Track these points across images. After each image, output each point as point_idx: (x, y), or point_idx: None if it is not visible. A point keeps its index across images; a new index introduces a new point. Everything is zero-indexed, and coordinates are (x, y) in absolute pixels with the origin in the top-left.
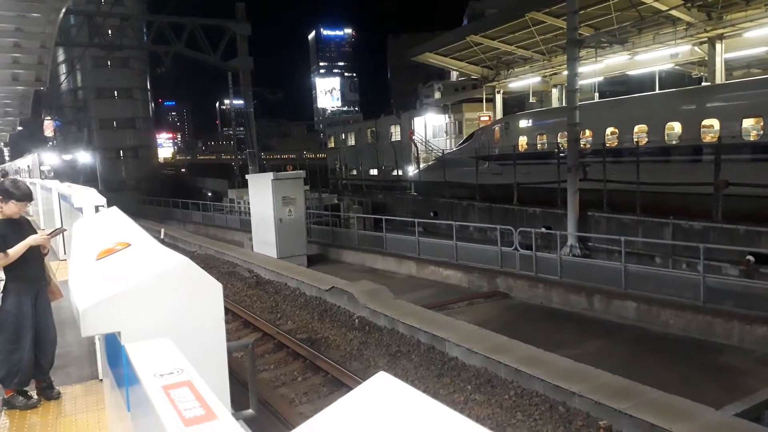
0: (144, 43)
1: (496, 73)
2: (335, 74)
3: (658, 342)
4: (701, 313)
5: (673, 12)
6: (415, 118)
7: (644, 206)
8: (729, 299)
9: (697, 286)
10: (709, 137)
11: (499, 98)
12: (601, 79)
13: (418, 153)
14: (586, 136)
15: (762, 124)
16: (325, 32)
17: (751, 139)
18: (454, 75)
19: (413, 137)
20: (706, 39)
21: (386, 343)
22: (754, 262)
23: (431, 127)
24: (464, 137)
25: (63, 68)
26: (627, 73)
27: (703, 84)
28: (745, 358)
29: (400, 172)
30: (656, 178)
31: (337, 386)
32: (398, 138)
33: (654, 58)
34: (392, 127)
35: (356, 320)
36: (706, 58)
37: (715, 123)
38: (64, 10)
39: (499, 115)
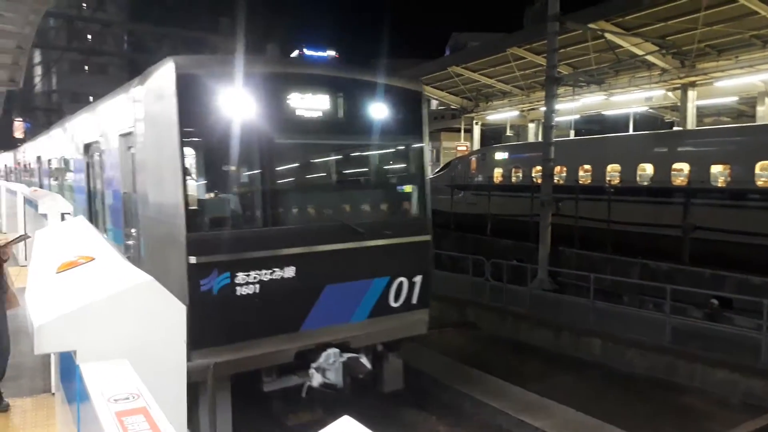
0: (124, 51)
1: (475, 104)
2: None
3: (623, 380)
4: (666, 353)
5: (649, 57)
6: None
7: (614, 244)
8: (693, 341)
9: (662, 327)
10: (679, 180)
11: (477, 129)
12: (577, 116)
13: None
14: (560, 172)
15: (729, 170)
16: (309, 52)
17: (719, 185)
18: (433, 103)
19: None
20: (679, 85)
21: None
22: (718, 306)
23: None
24: (441, 165)
25: (38, 70)
26: (603, 112)
27: (675, 128)
28: (706, 399)
29: None
30: (627, 217)
31: None
32: None
33: (629, 100)
34: None
35: None
36: (679, 104)
37: (685, 167)
38: (44, 12)
39: (476, 145)
